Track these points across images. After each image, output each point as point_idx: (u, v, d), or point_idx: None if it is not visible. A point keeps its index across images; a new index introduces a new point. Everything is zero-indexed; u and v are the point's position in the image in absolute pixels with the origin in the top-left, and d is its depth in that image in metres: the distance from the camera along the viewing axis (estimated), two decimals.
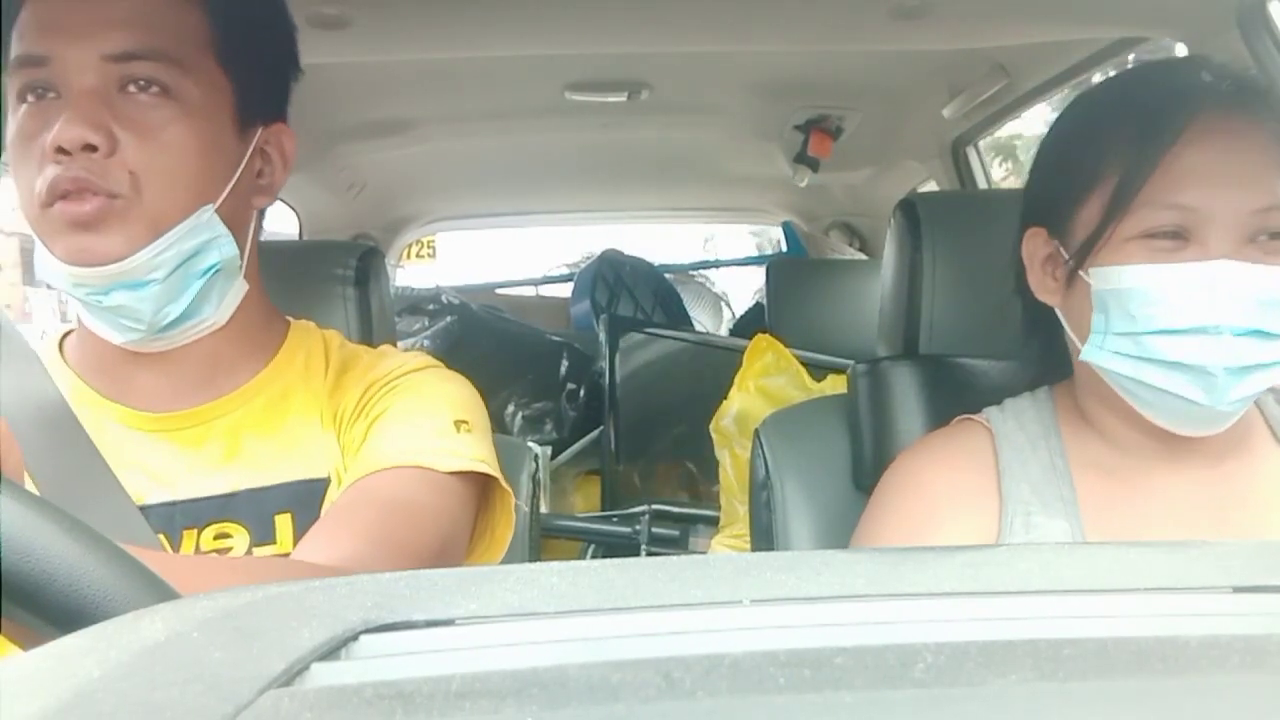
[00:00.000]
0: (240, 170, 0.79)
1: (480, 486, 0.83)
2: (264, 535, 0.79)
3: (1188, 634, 0.29)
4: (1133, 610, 0.33)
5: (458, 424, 0.82)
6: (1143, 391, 0.78)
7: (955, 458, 0.87)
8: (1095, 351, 0.79)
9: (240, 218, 0.81)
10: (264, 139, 0.82)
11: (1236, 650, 0.28)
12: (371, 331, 1.10)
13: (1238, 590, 0.35)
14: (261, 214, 0.85)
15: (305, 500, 0.80)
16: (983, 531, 0.83)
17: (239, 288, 0.82)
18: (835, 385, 1.87)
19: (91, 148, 0.71)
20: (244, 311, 0.82)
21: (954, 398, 0.98)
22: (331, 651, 0.30)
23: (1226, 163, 0.76)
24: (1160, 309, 0.75)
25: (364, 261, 1.12)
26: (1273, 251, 0.75)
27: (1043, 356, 0.90)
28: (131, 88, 0.74)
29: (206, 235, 0.77)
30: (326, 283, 1.09)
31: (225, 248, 0.78)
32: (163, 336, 0.78)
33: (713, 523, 2.03)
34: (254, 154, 0.81)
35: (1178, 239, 0.76)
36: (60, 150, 0.71)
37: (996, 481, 0.85)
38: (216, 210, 0.77)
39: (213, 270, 0.78)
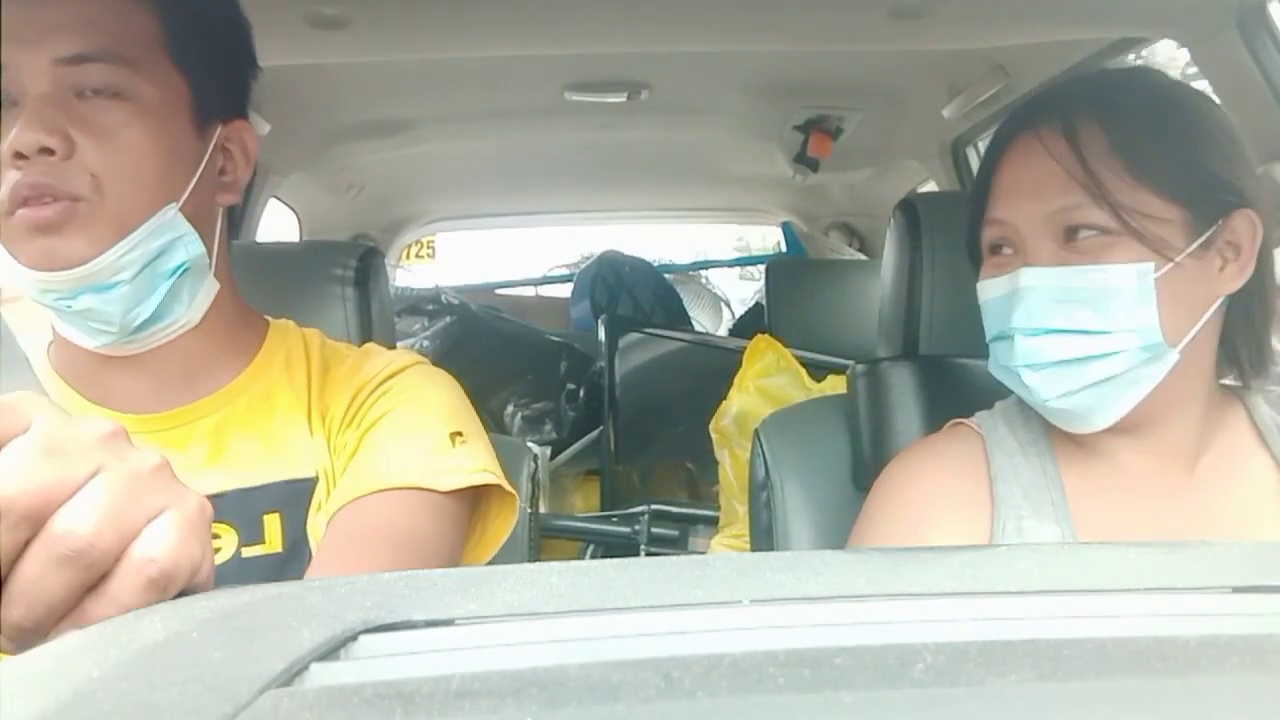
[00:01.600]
0: (201, 168, 0.79)
1: (476, 488, 0.83)
2: (252, 535, 0.79)
3: (1187, 634, 0.29)
4: (1132, 610, 0.33)
5: (453, 436, 0.81)
6: (1013, 389, 0.84)
7: (947, 463, 0.88)
8: (991, 361, 0.86)
9: (205, 216, 0.80)
10: (224, 136, 0.82)
11: (1236, 650, 0.28)
12: (371, 332, 1.10)
13: (1237, 590, 0.35)
14: (231, 213, 0.85)
15: (293, 500, 0.80)
16: (975, 537, 0.84)
17: (209, 287, 0.81)
18: (835, 385, 1.87)
19: (48, 151, 0.71)
20: (218, 311, 0.82)
21: (953, 398, 0.98)
22: (331, 651, 0.30)
23: (1023, 175, 0.82)
24: (989, 319, 0.84)
25: (363, 262, 1.12)
26: (1086, 250, 0.78)
27: None
28: (87, 92, 0.74)
29: (171, 234, 0.76)
30: (326, 283, 1.09)
31: (191, 246, 0.78)
32: (135, 339, 0.78)
33: (712, 523, 2.03)
34: (215, 151, 0.81)
35: (1009, 251, 0.82)
36: (18, 155, 0.71)
37: (989, 486, 0.86)
38: (180, 209, 0.77)
39: (180, 270, 0.77)
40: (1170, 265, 0.76)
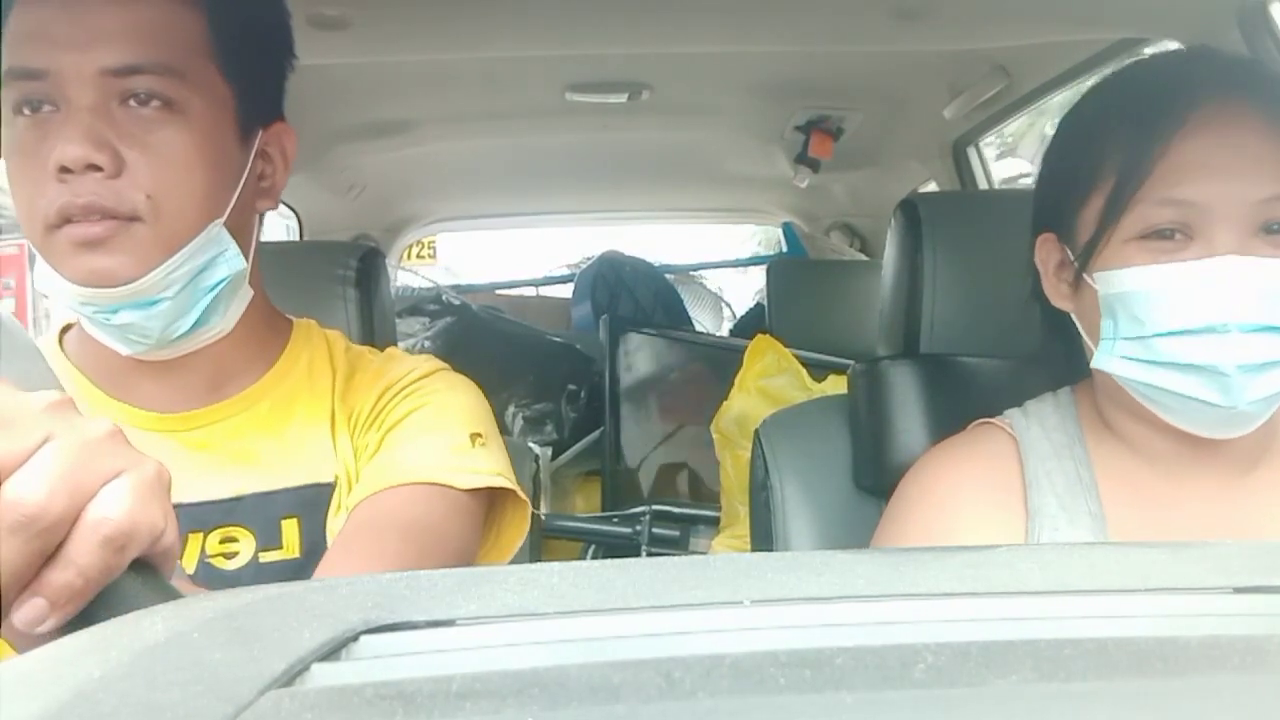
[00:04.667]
0: (244, 178, 0.78)
1: (491, 493, 0.83)
2: (270, 540, 0.79)
3: (1188, 634, 0.29)
4: (1133, 611, 0.33)
5: (473, 437, 0.81)
6: (1159, 396, 0.75)
7: (979, 468, 0.83)
8: (1106, 359, 0.77)
9: (245, 225, 0.80)
10: (265, 141, 0.81)
11: (1236, 650, 0.28)
12: (372, 332, 1.10)
13: (1238, 590, 0.35)
14: (261, 217, 0.85)
15: (311, 505, 0.80)
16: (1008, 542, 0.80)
17: (244, 296, 0.81)
18: (836, 385, 1.87)
19: (96, 167, 0.70)
20: (248, 317, 0.82)
21: (954, 397, 0.98)
22: (332, 652, 0.30)
23: (1225, 154, 0.73)
24: (1165, 310, 0.72)
25: (364, 262, 1.12)
26: (1276, 246, 0.72)
27: (1065, 360, 0.87)
28: (132, 101, 0.72)
29: (215, 250, 0.76)
30: (327, 283, 1.09)
31: (234, 262, 0.77)
32: (169, 348, 0.77)
33: (713, 523, 2.03)
34: (256, 157, 0.80)
35: (1179, 237, 0.73)
36: (64, 169, 0.69)
37: (1023, 494, 0.81)
38: (224, 223, 0.76)
39: (222, 284, 0.77)
40: None
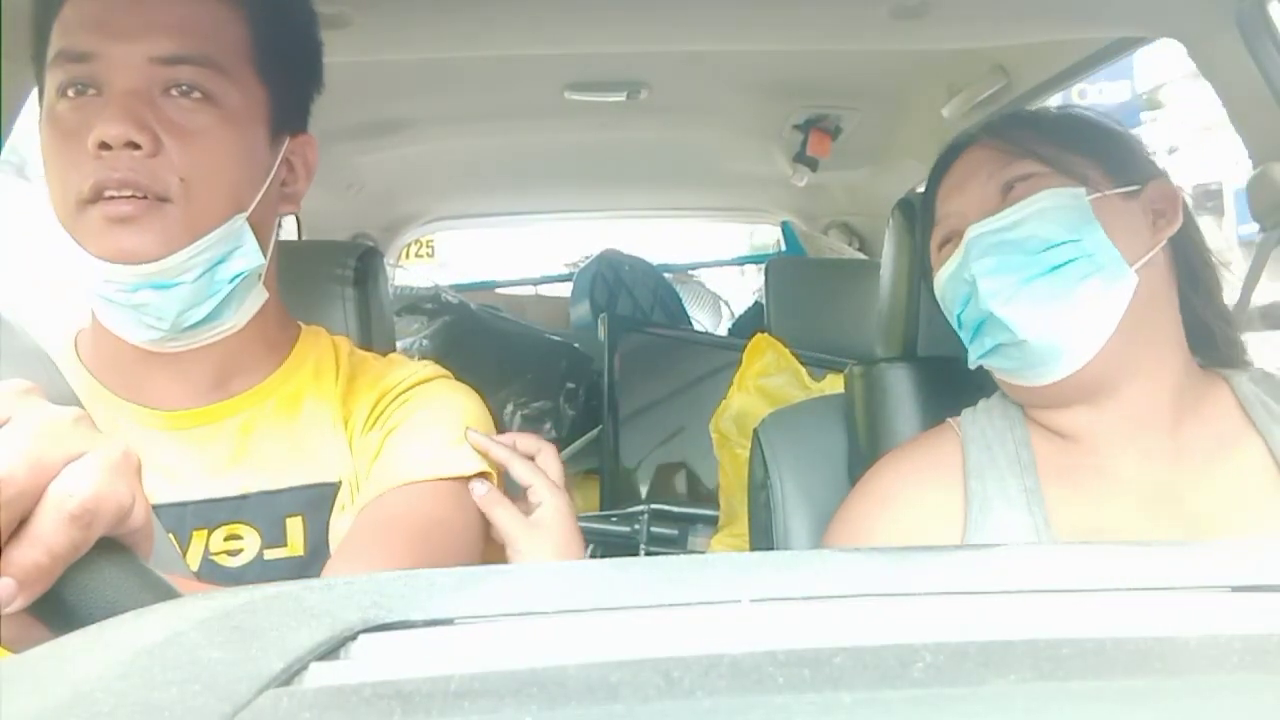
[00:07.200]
0: (270, 179, 0.81)
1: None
2: (275, 537, 0.80)
3: (1187, 634, 0.29)
4: (1132, 610, 0.33)
5: (469, 431, 0.83)
6: (992, 359, 0.86)
7: (918, 464, 0.91)
8: (968, 345, 0.88)
9: (265, 226, 0.82)
10: (290, 149, 0.84)
11: (1236, 650, 0.28)
12: (370, 331, 1.10)
13: (1237, 590, 0.35)
14: (280, 221, 0.87)
15: (316, 504, 0.81)
16: (946, 533, 0.86)
17: (258, 294, 0.83)
18: (834, 385, 1.86)
19: (135, 145, 0.72)
20: (260, 317, 0.83)
21: (950, 399, 0.98)
22: (330, 651, 0.30)
23: (961, 171, 0.92)
24: (950, 299, 0.88)
25: (363, 262, 1.12)
26: (1021, 195, 0.84)
27: None
28: (174, 91, 0.75)
29: (235, 243, 0.78)
30: (326, 283, 1.09)
31: (253, 257, 0.79)
32: (181, 338, 0.79)
33: (712, 522, 2.03)
34: (280, 163, 0.83)
35: (955, 241, 0.88)
36: (103, 146, 0.71)
37: (962, 483, 0.87)
38: (247, 219, 0.78)
39: (239, 278, 0.78)
40: (1100, 195, 0.82)
